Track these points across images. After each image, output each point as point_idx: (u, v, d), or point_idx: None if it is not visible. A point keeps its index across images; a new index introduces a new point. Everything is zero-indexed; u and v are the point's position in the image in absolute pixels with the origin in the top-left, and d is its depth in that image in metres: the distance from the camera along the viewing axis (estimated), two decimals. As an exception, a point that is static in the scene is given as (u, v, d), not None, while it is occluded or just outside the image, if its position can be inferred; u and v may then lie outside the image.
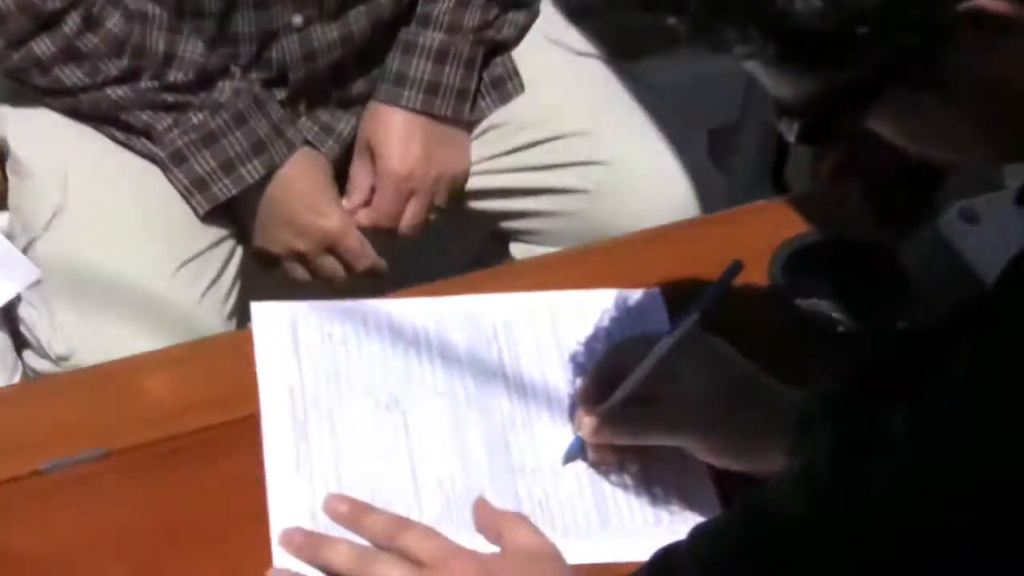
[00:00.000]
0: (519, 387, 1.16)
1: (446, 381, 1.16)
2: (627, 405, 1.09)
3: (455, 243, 1.60)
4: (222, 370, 1.16)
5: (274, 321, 1.18)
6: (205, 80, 1.36)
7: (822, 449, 0.85)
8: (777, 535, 0.85)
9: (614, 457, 1.11)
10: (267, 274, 1.46)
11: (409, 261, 1.50)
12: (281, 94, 1.42)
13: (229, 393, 1.13)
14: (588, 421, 1.10)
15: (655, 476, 1.12)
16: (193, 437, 1.10)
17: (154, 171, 1.39)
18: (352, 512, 1.06)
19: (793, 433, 0.99)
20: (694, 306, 1.07)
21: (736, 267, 1.08)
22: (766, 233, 1.28)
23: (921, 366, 0.88)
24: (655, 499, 1.10)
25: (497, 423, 1.14)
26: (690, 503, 1.10)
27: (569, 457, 1.12)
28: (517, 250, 1.55)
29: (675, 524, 1.09)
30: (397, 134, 1.44)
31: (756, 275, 1.24)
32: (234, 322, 1.42)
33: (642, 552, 1.03)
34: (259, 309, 1.18)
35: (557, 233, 1.50)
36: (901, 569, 0.81)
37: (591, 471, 1.12)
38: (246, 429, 1.11)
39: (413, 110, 1.44)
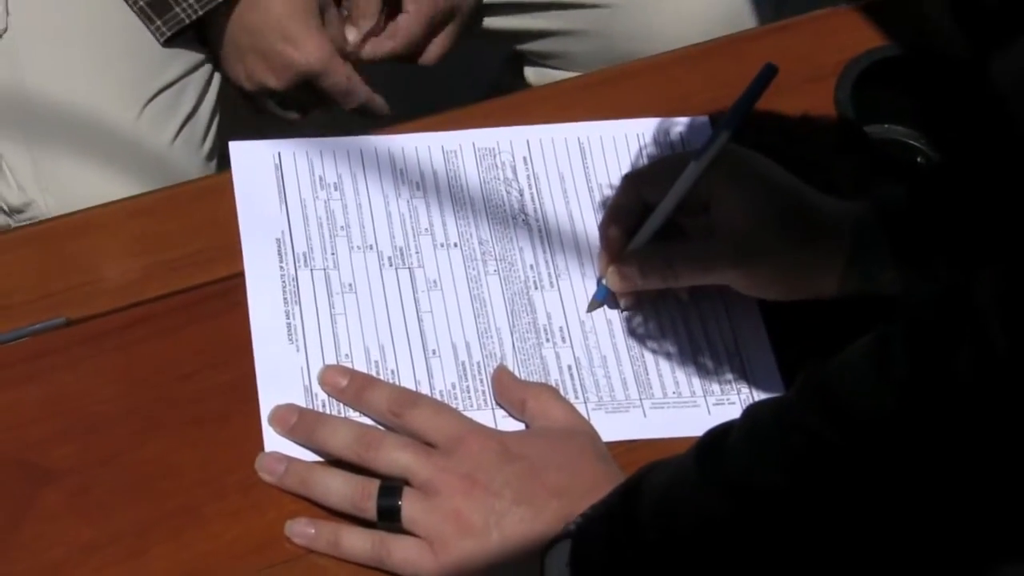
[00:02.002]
0: (544, 234, 1.11)
1: (459, 230, 1.10)
2: (656, 242, 1.04)
3: (464, 68, 1.53)
4: (198, 222, 1.10)
5: (256, 162, 1.12)
6: None
7: (895, 327, 0.78)
8: (846, 428, 0.79)
9: (647, 304, 1.07)
10: (250, 111, 1.39)
11: (410, 91, 1.43)
12: None
13: (206, 248, 1.08)
14: (614, 264, 1.05)
15: (700, 336, 1.06)
16: (166, 302, 1.05)
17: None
18: (353, 386, 1.02)
19: (850, 255, 0.99)
20: (723, 123, 1.03)
21: (769, 71, 1.04)
22: (830, 47, 1.22)
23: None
24: (702, 368, 1.04)
25: (519, 278, 1.08)
26: (744, 370, 1.05)
27: (593, 306, 1.08)
28: (533, 75, 1.49)
29: (728, 395, 1.03)
30: None
31: (819, 98, 1.20)
32: (214, 166, 1.36)
33: (688, 428, 0.99)
34: (238, 149, 1.12)
35: (578, 55, 1.44)
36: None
37: (630, 332, 1.06)
38: (228, 291, 1.05)
39: None
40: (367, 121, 1.30)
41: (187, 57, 1.34)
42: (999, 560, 0.77)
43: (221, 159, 1.36)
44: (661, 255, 1.05)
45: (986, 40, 1.21)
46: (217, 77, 1.37)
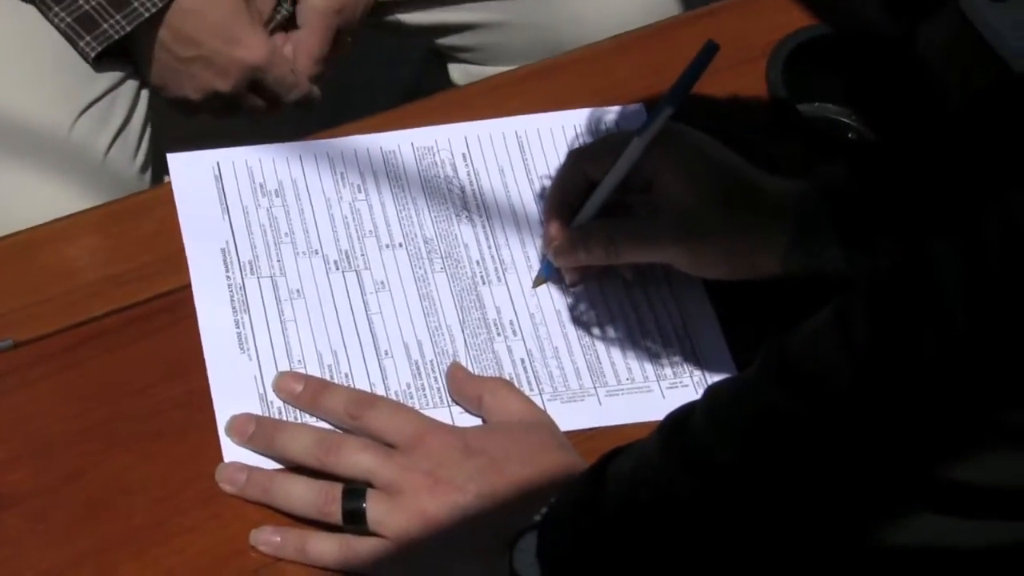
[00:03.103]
0: (488, 229, 1.11)
1: (403, 229, 1.10)
2: (599, 217, 1.05)
3: (386, 69, 1.53)
4: (140, 236, 1.09)
5: (196, 173, 1.11)
6: None
7: (855, 299, 0.78)
8: (808, 400, 0.79)
9: (595, 290, 1.07)
10: (185, 119, 1.38)
11: (334, 94, 1.42)
12: None
13: (151, 261, 1.07)
14: (558, 239, 1.05)
15: (649, 321, 1.07)
16: (114, 318, 1.04)
17: (32, 12, 1.30)
18: (308, 391, 1.01)
19: (793, 233, 0.98)
20: (665, 99, 1.03)
21: (710, 48, 1.04)
22: (760, 29, 1.23)
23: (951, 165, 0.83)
24: (654, 353, 1.05)
25: (466, 274, 1.08)
26: (695, 352, 1.06)
27: (538, 281, 1.08)
28: (458, 73, 1.48)
29: (680, 378, 1.04)
30: None
31: (750, 78, 1.20)
32: (149, 176, 1.35)
33: (643, 414, 0.99)
34: (177, 160, 1.11)
35: (502, 49, 1.43)
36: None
37: (579, 322, 1.06)
38: (176, 304, 1.05)
39: None
40: (301, 125, 1.29)
41: (115, 70, 1.32)
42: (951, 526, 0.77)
43: (156, 169, 1.36)
44: (604, 231, 1.05)
45: (910, 16, 1.22)
46: (146, 91, 1.36)
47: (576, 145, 1.15)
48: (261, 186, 1.10)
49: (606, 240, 1.05)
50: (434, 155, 1.14)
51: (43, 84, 1.29)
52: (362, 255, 1.08)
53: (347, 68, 1.41)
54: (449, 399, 1.02)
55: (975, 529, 0.75)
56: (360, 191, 1.11)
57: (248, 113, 1.38)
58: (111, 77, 1.32)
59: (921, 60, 1.20)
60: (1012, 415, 0.72)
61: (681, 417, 0.87)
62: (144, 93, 1.36)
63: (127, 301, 1.05)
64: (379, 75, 1.53)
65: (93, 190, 1.27)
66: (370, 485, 0.96)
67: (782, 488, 0.81)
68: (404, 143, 1.14)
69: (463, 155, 1.14)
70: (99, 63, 1.30)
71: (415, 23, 1.45)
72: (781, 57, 1.19)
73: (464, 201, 1.12)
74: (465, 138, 1.14)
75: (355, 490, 0.96)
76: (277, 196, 1.10)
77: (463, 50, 1.45)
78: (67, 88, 1.30)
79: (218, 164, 1.11)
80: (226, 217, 1.08)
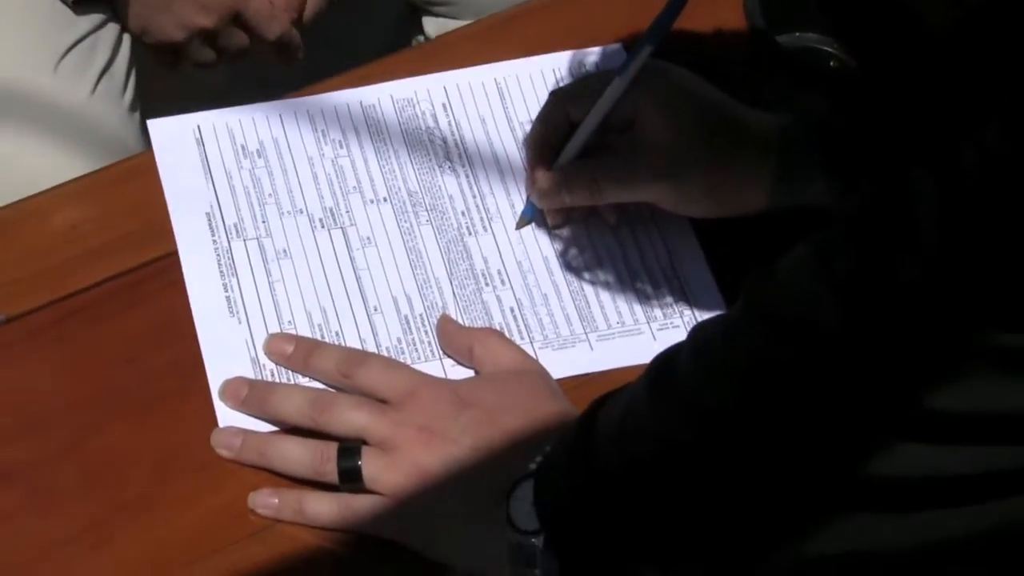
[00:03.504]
0: (472, 179, 1.10)
1: (387, 183, 1.09)
2: (582, 158, 1.04)
3: (361, 26, 1.52)
4: (125, 205, 1.08)
5: (177, 138, 1.10)
6: None
7: (834, 233, 0.78)
8: (792, 337, 0.79)
9: (575, 219, 1.07)
10: (166, 68, 1.38)
11: (310, 53, 1.41)
12: None
13: (136, 230, 1.07)
14: (540, 181, 1.05)
15: (637, 263, 1.06)
16: (101, 289, 1.04)
17: None
18: (299, 352, 1.01)
19: (778, 166, 0.99)
20: (644, 37, 1.02)
21: None
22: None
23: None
24: (643, 295, 1.04)
25: (452, 225, 1.08)
26: (684, 292, 1.05)
27: (521, 223, 1.08)
28: (432, 26, 1.48)
29: (671, 319, 1.04)
30: None
31: (728, 9, 1.19)
32: (137, 117, 1.35)
33: (635, 357, 0.99)
34: (157, 126, 1.11)
35: (477, 1, 1.42)
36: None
37: (567, 267, 1.06)
38: (162, 271, 1.04)
39: None
40: (282, 84, 1.28)
41: (93, 15, 1.32)
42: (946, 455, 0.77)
43: (143, 112, 1.35)
44: (586, 171, 1.05)
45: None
46: (127, 35, 1.36)
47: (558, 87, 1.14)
48: (243, 147, 1.10)
49: (589, 180, 1.04)
50: (414, 107, 1.13)
51: (21, 27, 1.29)
52: (347, 212, 1.08)
53: (321, 26, 1.41)
54: (440, 352, 1.02)
55: (959, 456, 0.75)
56: (342, 147, 1.11)
57: (231, 53, 1.38)
58: (88, 22, 1.32)
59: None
60: (988, 339, 0.71)
61: (669, 359, 0.87)
62: (126, 38, 1.36)
63: (114, 271, 1.04)
64: (354, 32, 1.52)
65: (79, 132, 1.27)
66: (365, 442, 0.96)
67: (771, 427, 0.80)
68: (384, 96, 1.13)
69: (443, 105, 1.13)
70: (79, 7, 1.30)
71: None
72: (758, -15, 1.18)
73: (447, 152, 1.11)
74: (444, 88, 1.14)
75: (350, 448, 0.96)
76: (259, 157, 1.10)
77: (438, 3, 1.44)
78: (44, 34, 1.29)
79: (199, 127, 1.11)
80: (209, 181, 1.08)
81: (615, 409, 0.88)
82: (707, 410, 0.83)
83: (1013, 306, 0.71)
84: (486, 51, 1.17)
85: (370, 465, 0.95)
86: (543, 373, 1.00)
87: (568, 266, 1.07)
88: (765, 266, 0.81)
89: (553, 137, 1.06)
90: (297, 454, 0.97)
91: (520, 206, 1.09)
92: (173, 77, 1.41)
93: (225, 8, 1.34)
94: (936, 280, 0.73)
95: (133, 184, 1.10)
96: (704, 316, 1.04)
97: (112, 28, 1.34)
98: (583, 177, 1.05)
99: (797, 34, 1.19)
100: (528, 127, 1.12)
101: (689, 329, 1.01)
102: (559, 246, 1.08)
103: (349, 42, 1.47)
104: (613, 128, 1.05)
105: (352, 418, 0.97)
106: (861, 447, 0.78)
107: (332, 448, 0.96)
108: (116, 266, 1.05)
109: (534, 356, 1.02)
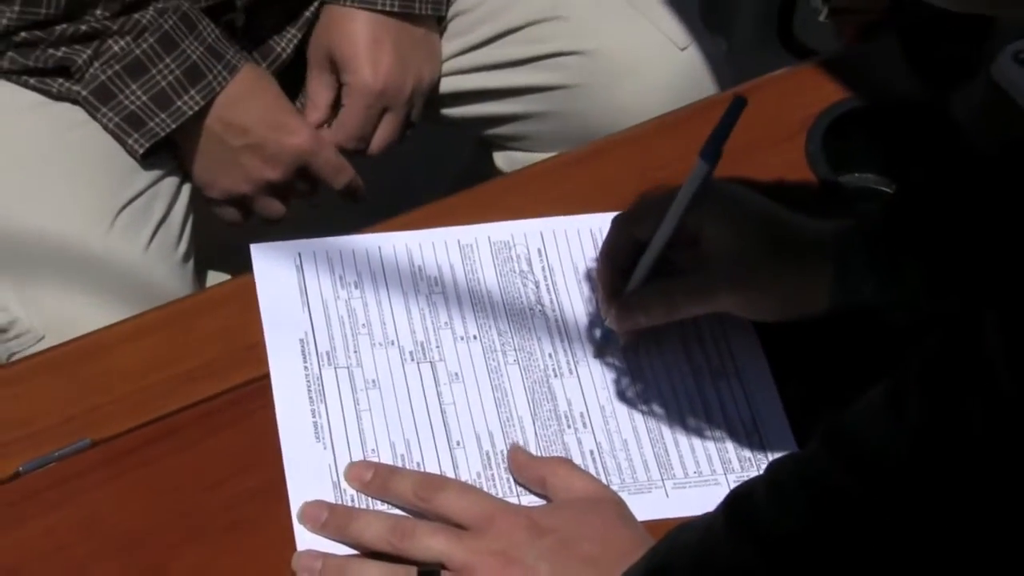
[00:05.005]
0: (561, 323, 1.12)
1: (478, 322, 1.12)
2: (651, 279, 1.07)
3: (434, 160, 1.55)
4: (207, 333, 1.11)
5: (278, 264, 1.13)
6: (127, 5, 1.29)
7: (908, 373, 0.80)
8: (866, 474, 0.80)
9: (664, 384, 1.09)
10: (232, 225, 1.40)
11: (387, 184, 1.44)
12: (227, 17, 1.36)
13: (219, 357, 1.09)
14: (615, 307, 1.07)
15: (718, 414, 1.08)
16: (186, 414, 1.06)
17: (77, 114, 1.32)
18: (378, 478, 1.03)
19: (834, 266, 1.01)
20: (700, 155, 1.05)
21: (739, 103, 1.05)
22: (797, 104, 1.25)
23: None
24: (722, 446, 1.06)
25: (539, 367, 1.10)
26: (763, 445, 1.07)
27: (599, 350, 1.10)
28: (502, 160, 1.50)
29: (748, 471, 1.06)
30: (365, 42, 1.38)
31: (791, 150, 1.22)
32: (189, 268, 1.37)
33: (710, 506, 0.99)
34: (260, 251, 1.13)
35: (544, 136, 1.46)
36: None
37: (649, 414, 1.08)
38: (245, 398, 1.07)
39: (389, 12, 1.37)
40: (348, 221, 1.30)
41: (159, 168, 1.35)
42: None
43: (197, 262, 1.37)
44: (661, 290, 1.07)
45: (943, 85, 1.24)
46: (188, 184, 1.38)
47: None
48: (341, 278, 1.13)
49: (664, 299, 1.07)
50: (510, 249, 1.16)
51: (83, 187, 1.31)
52: (437, 347, 1.10)
53: (396, 161, 1.44)
54: (519, 489, 1.03)
55: None
56: (437, 284, 1.13)
57: (301, 196, 1.40)
58: (152, 175, 1.34)
59: (956, 126, 1.21)
60: None
61: (746, 493, 0.89)
62: (185, 188, 1.38)
63: (198, 397, 1.06)
64: (429, 166, 1.56)
65: (134, 284, 1.29)
66: (444, 567, 0.97)
67: (846, 562, 0.82)
68: (481, 237, 1.16)
69: (538, 250, 1.16)
70: (145, 159, 1.32)
71: (460, 115, 1.48)
72: (820, 131, 1.21)
73: (538, 295, 1.13)
74: (541, 233, 1.17)
75: (429, 572, 0.97)
76: (356, 288, 1.12)
77: (509, 139, 1.48)
78: (106, 189, 1.31)
79: (299, 255, 1.13)
80: (306, 308, 1.11)
81: (691, 539, 0.90)
82: (778, 539, 0.84)
83: None
84: (555, 189, 1.20)
85: (450, 590, 0.96)
86: (617, 500, 1.02)
87: (650, 412, 1.08)
88: (839, 409, 0.83)
89: (621, 260, 1.09)
90: (377, 576, 0.98)
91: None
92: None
93: (293, 161, 1.37)
94: (1007, 422, 0.74)
95: (213, 314, 1.12)
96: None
97: (170, 182, 1.36)
98: (659, 296, 1.07)
99: (857, 175, 1.22)
100: None
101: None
102: (642, 392, 1.09)
103: (422, 177, 1.50)
104: (676, 246, 1.07)
105: (431, 543, 0.98)
106: None
107: (412, 572, 0.97)
108: (199, 392, 1.07)
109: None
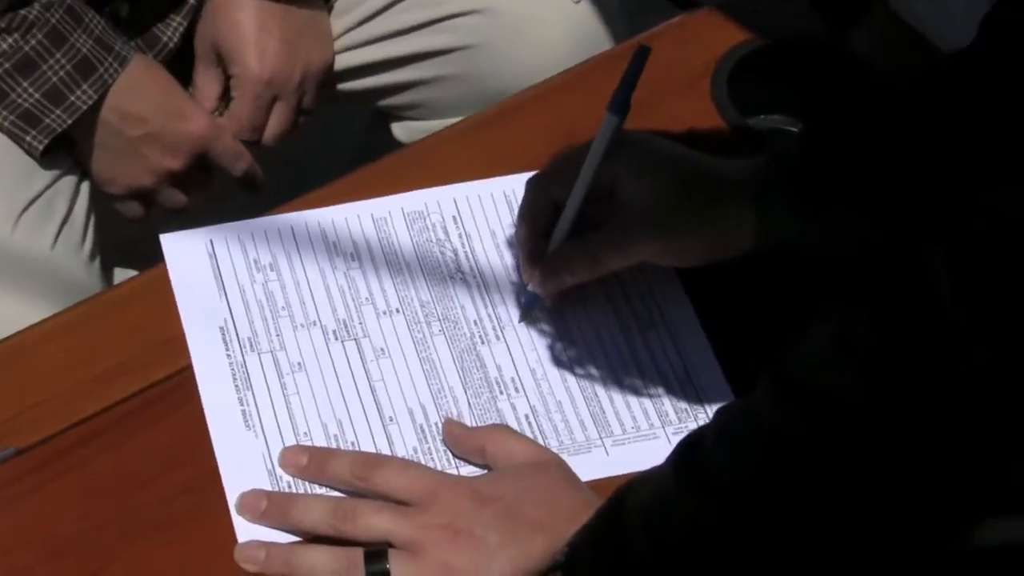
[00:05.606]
0: (483, 289, 1.11)
1: (399, 295, 1.10)
2: (572, 237, 1.06)
3: (330, 136, 1.52)
4: (123, 329, 1.08)
5: (190, 252, 1.10)
6: (12, 2, 1.25)
7: (855, 312, 0.79)
8: (817, 413, 0.80)
9: (593, 341, 1.08)
10: (133, 221, 1.37)
11: (282, 164, 1.42)
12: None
13: (140, 353, 1.06)
14: (539, 269, 1.06)
15: (650, 368, 1.07)
16: (111, 413, 1.03)
17: None
18: (314, 462, 1.01)
19: (754, 205, 1.01)
20: (609, 108, 1.04)
21: (643, 52, 1.05)
22: (697, 50, 1.24)
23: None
24: (657, 399, 1.05)
25: (465, 335, 1.08)
26: (698, 395, 1.06)
27: (525, 315, 1.09)
28: (401, 131, 1.48)
29: (685, 423, 1.05)
30: (250, 31, 1.35)
31: (696, 97, 1.21)
32: (97, 265, 1.34)
33: (652, 461, 0.98)
34: (170, 240, 1.11)
35: (442, 101, 1.43)
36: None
37: (580, 374, 1.06)
38: (173, 389, 1.04)
39: None
40: (254, 203, 1.28)
41: (56, 167, 1.31)
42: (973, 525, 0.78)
43: (104, 260, 1.34)
44: (583, 248, 1.06)
45: (841, 21, 1.23)
46: (86, 184, 1.35)
47: None
48: (255, 261, 1.10)
49: (587, 255, 1.06)
50: (424, 219, 1.14)
51: None
52: (360, 323, 1.08)
53: (291, 142, 1.41)
54: (457, 461, 1.02)
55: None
56: (354, 259, 1.11)
57: (198, 187, 1.37)
58: (50, 173, 1.31)
59: (857, 60, 1.21)
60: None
61: (694, 442, 0.88)
62: (84, 186, 1.35)
63: (120, 395, 1.04)
64: (324, 143, 1.53)
65: (43, 283, 1.26)
66: (390, 546, 0.95)
67: (797, 505, 0.81)
68: (394, 208, 1.14)
69: (453, 217, 1.14)
70: (43, 158, 1.29)
71: (356, 89, 1.45)
72: (724, 75, 1.20)
73: (457, 263, 1.12)
74: (455, 200, 1.15)
75: (376, 552, 0.95)
76: (272, 270, 1.10)
77: (405, 108, 1.46)
78: (5, 189, 1.28)
79: (211, 242, 1.11)
80: (223, 295, 1.08)
81: (643, 494, 0.89)
82: (728, 486, 0.83)
83: None
84: (466, 154, 1.19)
85: (399, 568, 0.95)
86: (559, 462, 1.00)
87: (581, 372, 1.07)
88: (781, 352, 0.82)
89: (541, 221, 1.08)
90: (324, 561, 0.96)
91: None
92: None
93: (192, 149, 1.33)
94: (956, 348, 0.74)
95: (126, 309, 1.10)
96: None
97: (69, 180, 1.33)
98: (581, 253, 1.06)
99: (763, 117, 1.21)
100: None
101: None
102: (572, 352, 1.08)
103: (320, 154, 1.47)
104: (593, 200, 1.06)
105: (375, 523, 0.96)
106: (878, 518, 0.79)
107: (358, 554, 0.96)
108: (122, 389, 1.04)
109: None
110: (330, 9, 1.42)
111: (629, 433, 1.04)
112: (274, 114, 1.38)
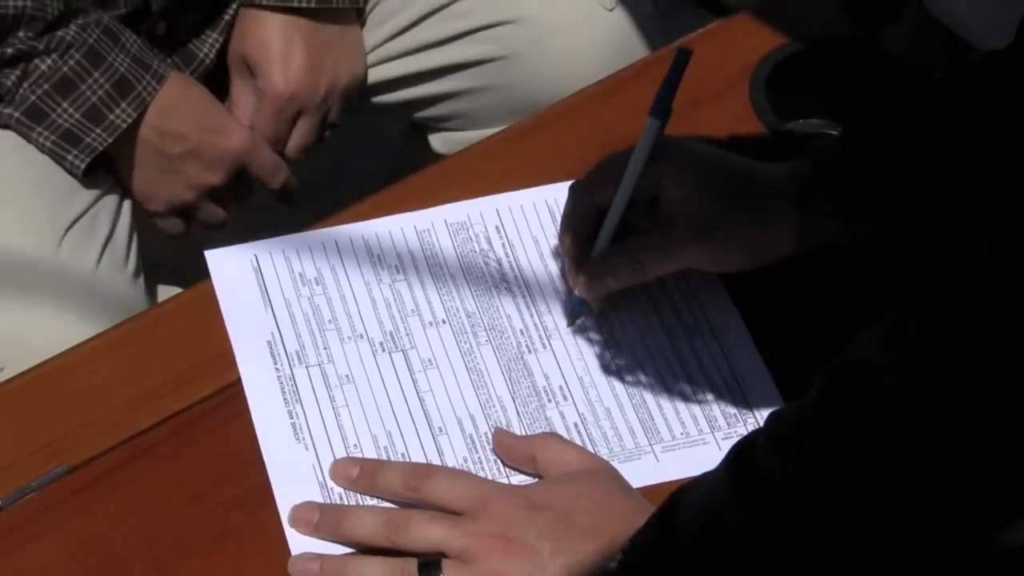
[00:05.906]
0: (528, 298, 1.11)
1: (445, 306, 1.10)
2: (616, 243, 1.06)
3: (368, 149, 1.53)
4: (172, 344, 1.08)
5: (235, 268, 1.10)
6: (50, 24, 1.26)
7: (907, 311, 0.78)
8: (872, 414, 0.79)
9: (639, 348, 1.08)
10: (174, 238, 1.37)
11: (320, 179, 1.42)
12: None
13: (188, 368, 1.06)
14: (583, 275, 1.06)
15: (698, 374, 1.07)
16: (160, 429, 1.03)
17: (10, 139, 1.29)
18: (365, 473, 1.01)
19: (797, 207, 1.01)
20: (651, 112, 1.03)
21: (684, 55, 1.04)
22: (734, 55, 1.24)
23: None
24: (706, 405, 1.05)
25: (512, 345, 1.08)
26: (746, 401, 1.05)
27: (572, 320, 1.09)
28: (439, 142, 1.48)
29: (735, 428, 1.04)
30: (276, 46, 1.35)
31: (735, 103, 1.20)
32: (141, 282, 1.34)
33: (701, 467, 0.97)
34: (215, 257, 1.11)
35: (479, 112, 1.44)
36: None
37: (629, 381, 1.06)
38: (223, 404, 1.04)
39: (306, 10, 1.34)
40: (292, 218, 1.28)
41: (97, 187, 1.32)
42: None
43: (148, 277, 1.34)
44: (626, 252, 1.06)
45: (874, 22, 1.23)
46: (128, 202, 1.35)
47: None
48: (300, 275, 1.10)
49: (630, 261, 1.05)
50: (468, 230, 1.14)
51: (26, 207, 1.28)
52: (407, 335, 1.08)
53: (328, 155, 1.41)
54: (507, 470, 1.01)
55: None
56: (399, 271, 1.11)
57: (236, 200, 1.37)
58: (92, 195, 1.31)
59: (891, 59, 1.21)
60: None
61: (747, 445, 0.87)
62: (126, 205, 1.35)
63: (171, 410, 1.04)
64: (363, 155, 1.53)
65: (89, 303, 1.26)
66: (443, 556, 0.95)
67: (850, 505, 0.81)
68: (437, 220, 1.14)
69: (496, 227, 1.14)
70: (85, 177, 1.29)
71: (391, 101, 1.45)
72: (761, 80, 1.20)
73: (502, 273, 1.12)
74: (497, 210, 1.15)
75: (430, 563, 0.95)
76: (317, 284, 1.10)
77: (442, 119, 1.45)
78: (50, 209, 1.28)
79: (256, 257, 1.11)
80: (269, 309, 1.08)
81: (696, 500, 0.88)
82: (782, 488, 0.83)
83: None
84: (505, 164, 1.18)
85: (452, 578, 0.94)
86: (611, 470, 1.00)
87: (629, 379, 1.07)
88: (832, 354, 0.82)
89: (584, 227, 1.08)
90: (377, 572, 0.96)
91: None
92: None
93: (232, 164, 1.34)
94: (1010, 345, 0.73)
95: (173, 326, 1.10)
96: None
97: (111, 199, 1.33)
98: (624, 258, 1.06)
99: (802, 121, 1.21)
100: None
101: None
102: (619, 360, 1.07)
103: (358, 168, 1.47)
104: (637, 206, 1.06)
105: (428, 533, 0.96)
106: (938, 516, 0.79)
107: (412, 564, 0.95)
108: (171, 405, 1.04)
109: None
110: (363, 23, 1.42)
111: (679, 439, 1.04)
112: (297, 128, 1.38)
